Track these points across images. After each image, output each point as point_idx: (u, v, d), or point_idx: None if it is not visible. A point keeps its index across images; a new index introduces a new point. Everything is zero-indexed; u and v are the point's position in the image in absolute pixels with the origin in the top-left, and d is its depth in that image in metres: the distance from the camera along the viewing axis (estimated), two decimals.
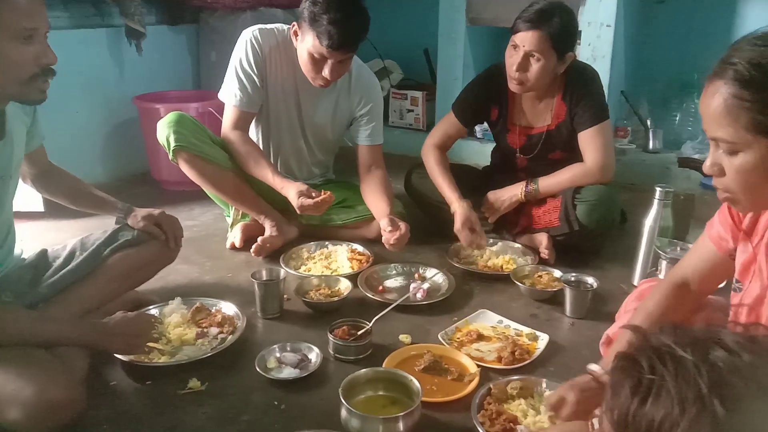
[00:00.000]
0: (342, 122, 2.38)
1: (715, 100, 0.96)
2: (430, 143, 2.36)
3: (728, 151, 0.98)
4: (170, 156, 2.17)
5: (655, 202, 1.97)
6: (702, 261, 1.27)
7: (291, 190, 2.08)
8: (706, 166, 1.03)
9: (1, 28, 1.27)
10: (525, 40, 2.00)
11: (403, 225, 2.06)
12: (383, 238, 2.09)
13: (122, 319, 1.53)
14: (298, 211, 2.09)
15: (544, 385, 1.46)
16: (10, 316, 1.39)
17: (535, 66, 2.03)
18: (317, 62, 2.05)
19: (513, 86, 2.11)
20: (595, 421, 1.11)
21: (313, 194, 2.05)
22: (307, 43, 2.02)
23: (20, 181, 1.75)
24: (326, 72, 2.05)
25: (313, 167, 2.50)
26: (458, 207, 2.17)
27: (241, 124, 2.24)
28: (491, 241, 2.30)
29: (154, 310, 1.78)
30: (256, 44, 2.18)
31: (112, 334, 1.49)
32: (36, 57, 1.33)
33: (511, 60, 2.06)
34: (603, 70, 3.01)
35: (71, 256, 1.71)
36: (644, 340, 0.70)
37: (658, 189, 1.97)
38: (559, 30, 1.99)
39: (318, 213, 2.11)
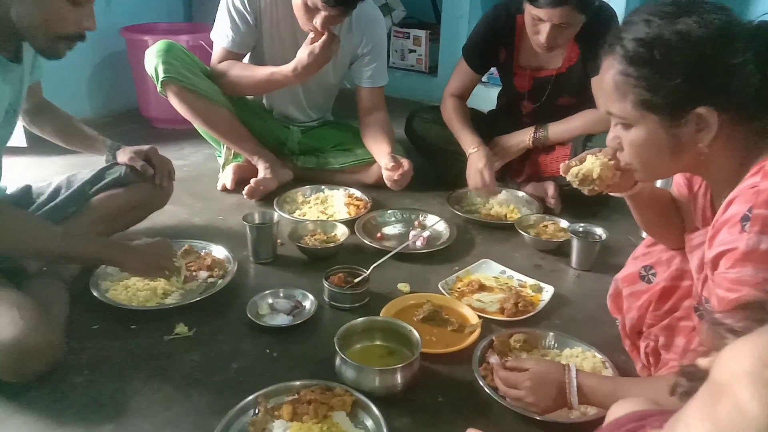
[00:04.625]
0: (344, 64, 2.24)
1: (607, 76, 0.98)
2: (447, 93, 2.24)
3: (622, 126, 1.00)
4: (158, 88, 2.04)
5: None
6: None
7: (300, 51, 1.95)
8: (609, 140, 1.06)
9: None
10: (552, 16, 1.81)
11: (405, 162, 1.97)
12: (385, 176, 1.99)
13: (144, 241, 1.52)
14: (309, 55, 1.92)
15: (550, 338, 1.39)
16: (36, 225, 1.36)
17: (565, 32, 1.87)
18: (310, 11, 1.89)
19: (541, 50, 1.95)
20: (572, 364, 1.14)
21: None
22: None
23: None
24: (317, 22, 1.88)
25: (311, 111, 2.38)
26: (475, 150, 2.07)
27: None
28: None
29: None
30: None
31: (132, 254, 1.46)
32: (80, 20, 1.32)
33: (537, 33, 1.88)
34: (618, 9, 2.84)
35: (56, 193, 1.64)
36: None
37: None
38: None
39: (327, 42, 1.91)
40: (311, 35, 1.93)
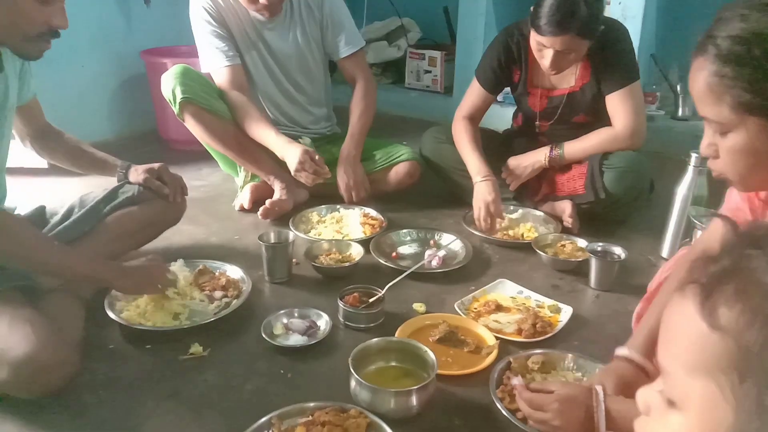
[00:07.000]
0: (317, 42, 2.30)
1: (700, 79, 0.89)
2: (459, 116, 2.23)
3: (718, 132, 0.91)
4: (176, 110, 2.07)
5: (690, 168, 1.84)
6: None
7: (294, 149, 2.00)
8: (703, 147, 0.96)
9: None
10: (554, 44, 1.84)
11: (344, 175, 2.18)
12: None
13: (138, 262, 1.52)
14: (292, 171, 2.02)
15: (569, 360, 1.36)
16: (34, 236, 1.36)
17: (569, 58, 1.89)
18: (251, 1, 2.04)
19: (548, 73, 1.98)
20: (599, 387, 1.07)
21: (316, 156, 2.00)
22: None
23: (21, 143, 1.70)
24: (262, 4, 2.04)
25: (311, 107, 2.40)
26: (480, 182, 2.04)
27: (236, 83, 2.16)
28: (512, 208, 2.19)
29: None
30: (209, 2, 2.14)
31: (126, 275, 1.45)
32: (49, 18, 1.30)
33: (542, 57, 1.91)
34: (633, 31, 2.80)
35: (69, 213, 1.65)
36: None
37: (693, 155, 1.84)
38: (587, 21, 1.79)
39: (311, 181, 2.02)
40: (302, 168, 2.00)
